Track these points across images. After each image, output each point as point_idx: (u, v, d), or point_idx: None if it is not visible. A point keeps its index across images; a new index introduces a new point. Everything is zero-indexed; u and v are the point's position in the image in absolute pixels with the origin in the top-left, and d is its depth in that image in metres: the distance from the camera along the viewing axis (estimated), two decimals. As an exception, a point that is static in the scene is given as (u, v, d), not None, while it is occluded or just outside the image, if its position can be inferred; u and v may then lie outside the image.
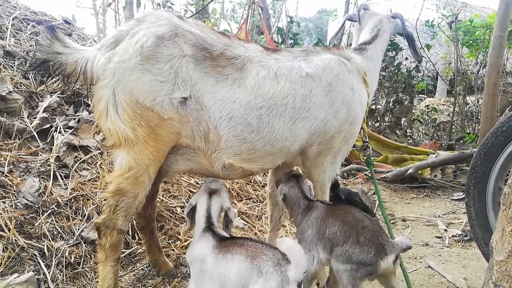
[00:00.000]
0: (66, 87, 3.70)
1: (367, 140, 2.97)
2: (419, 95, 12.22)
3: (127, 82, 2.03)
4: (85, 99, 3.84)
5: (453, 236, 4.15)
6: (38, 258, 2.58)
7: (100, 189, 3.14)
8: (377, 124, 8.66)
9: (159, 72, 2.07)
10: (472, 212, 2.99)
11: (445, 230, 4.32)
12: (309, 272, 2.19)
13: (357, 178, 6.17)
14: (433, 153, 6.47)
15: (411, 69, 9.04)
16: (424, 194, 5.78)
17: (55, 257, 2.63)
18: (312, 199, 2.46)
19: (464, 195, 3.34)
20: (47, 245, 2.65)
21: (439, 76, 12.11)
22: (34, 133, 3.27)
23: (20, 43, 3.97)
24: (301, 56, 2.53)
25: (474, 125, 8.89)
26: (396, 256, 1.95)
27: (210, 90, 2.20)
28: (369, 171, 3.07)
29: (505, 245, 1.28)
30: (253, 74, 2.30)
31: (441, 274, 3.29)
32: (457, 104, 9.11)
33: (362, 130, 2.89)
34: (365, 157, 3.03)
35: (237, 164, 2.36)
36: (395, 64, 8.41)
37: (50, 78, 3.54)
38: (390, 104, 8.63)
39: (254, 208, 4.23)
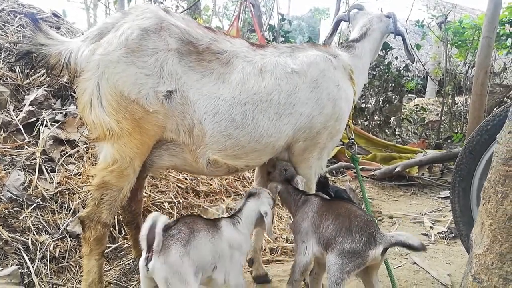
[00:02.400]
0: (53, 81, 3.67)
1: (352, 137, 2.99)
2: (409, 95, 12.32)
3: (112, 75, 2.03)
4: (72, 93, 3.82)
5: (438, 233, 4.19)
6: (22, 252, 2.57)
7: (83, 182, 3.12)
8: (366, 123, 8.71)
9: (144, 65, 2.07)
10: (456, 209, 3.02)
11: (431, 227, 4.36)
12: (301, 264, 2.21)
13: (346, 175, 6.21)
14: (421, 152, 6.53)
15: (401, 69, 9.11)
16: (412, 192, 5.83)
17: (39, 251, 2.62)
18: (308, 193, 2.49)
19: (449, 196, 3.38)
20: (31, 239, 2.64)
21: (429, 76, 12.22)
22: (20, 126, 3.25)
23: (7, 36, 3.94)
24: (287, 52, 2.54)
25: (462, 124, 8.99)
26: (385, 249, 1.96)
27: (195, 85, 2.20)
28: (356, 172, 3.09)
29: (484, 238, 1.31)
30: (238, 69, 2.31)
31: (425, 270, 3.33)
32: (445, 104, 9.20)
33: (348, 127, 2.91)
34: (350, 154, 3.05)
35: (222, 160, 2.37)
36: (385, 63, 8.47)
37: (33, 70, 3.51)
38: (380, 103, 8.68)
39: (242, 204, 4.24)
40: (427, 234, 4.22)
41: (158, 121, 2.15)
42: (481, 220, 1.36)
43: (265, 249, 3.50)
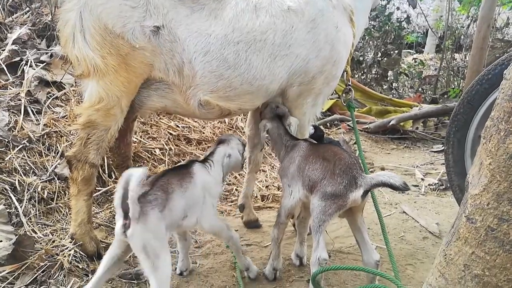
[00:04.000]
0: (37, 19, 3.48)
1: (350, 83, 2.89)
2: (408, 50, 12.06)
3: (95, 6, 1.90)
4: (58, 33, 3.64)
5: (429, 185, 4.23)
6: (9, 192, 2.52)
7: (71, 124, 3.04)
8: (363, 76, 8.56)
9: (130, -4, 1.93)
10: (450, 159, 3.00)
11: (422, 179, 4.39)
12: (286, 207, 2.20)
13: (340, 128, 6.17)
14: (417, 106, 6.46)
15: (401, 20, 8.83)
16: (405, 145, 5.83)
17: (27, 192, 2.58)
18: (297, 137, 2.43)
19: (443, 147, 3.35)
20: (18, 180, 2.60)
21: (429, 30, 11.90)
22: (3, 65, 3.11)
23: (-14, -31, 3.69)
24: (284, -12, 2.37)
25: (459, 80, 8.87)
26: (366, 191, 1.94)
27: (184, 21, 2.07)
28: (351, 121, 2.99)
29: (481, 178, 1.27)
30: (231, 5, 2.17)
31: (414, 219, 3.37)
32: (444, 58, 9.02)
33: (345, 73, 2.80)
34: (347, 100, 2.95)
35: (214, 102, 2.28)
36: (386, 13, 8.19)
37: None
38: (378, 55, 8.49)
39: (235, 153, 4.20)
40: (417, 186, 4.25)
41: (145, 58, 2.05)
42: (479, 160, 1.32)
43: (256, 196, 3.51)
